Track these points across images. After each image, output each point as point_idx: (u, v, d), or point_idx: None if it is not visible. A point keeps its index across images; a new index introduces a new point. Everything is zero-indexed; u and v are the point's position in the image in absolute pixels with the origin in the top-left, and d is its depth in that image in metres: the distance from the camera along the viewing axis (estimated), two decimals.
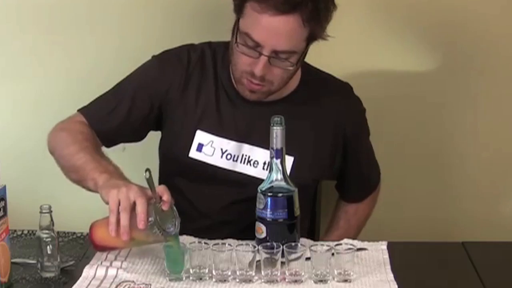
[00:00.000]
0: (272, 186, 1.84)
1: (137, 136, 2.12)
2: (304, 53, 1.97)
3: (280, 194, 1.83)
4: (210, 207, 2.05)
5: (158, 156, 2.14)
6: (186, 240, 1.90)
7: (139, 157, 2.22)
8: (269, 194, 1.83)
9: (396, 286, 1.73)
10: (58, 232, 1.81)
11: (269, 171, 1.85)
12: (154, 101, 2.05)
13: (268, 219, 1.83)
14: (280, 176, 1.84)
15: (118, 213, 1.72)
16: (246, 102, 2.03)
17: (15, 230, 1.97)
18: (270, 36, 1.89)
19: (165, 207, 1.75)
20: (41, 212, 1.77)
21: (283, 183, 1.84)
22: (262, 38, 1.89)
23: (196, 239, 1.90)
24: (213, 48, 2.09)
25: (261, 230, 1.83)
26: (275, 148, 1.82)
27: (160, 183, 2.06)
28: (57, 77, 2.51)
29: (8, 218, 1.73)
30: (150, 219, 1.72)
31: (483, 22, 2.48)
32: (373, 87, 2.41)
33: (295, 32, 1.89)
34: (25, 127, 2.54)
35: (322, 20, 1.91)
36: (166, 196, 1.76)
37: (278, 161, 1.83)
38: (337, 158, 2.11)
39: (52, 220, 1.77)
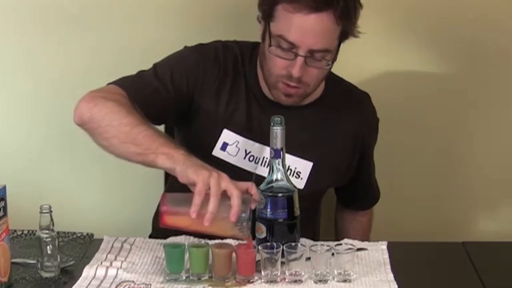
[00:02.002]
0: (272, 186, 1.83)
1: (163, 119, 2.06)
2: (337, 52, 1.97)
3: (280, 194, 1.83)
4: None
5: None
6: (186, 240, 1.91)
7: None
8: (269, 194, 1.82)
9: (396, 286, 1.73)
10: (58, 232, 1.81)
11: (269, 171, 1.85)
12: (190, 89, 2.01)
13: (268, 219, 1.82)
14: (280, 176, 1.84)
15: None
16: (272, 106, 2.02)
17: (15, 230, 1.97)
18: (305, 36, 1.88)
19: (253, 206, 1.73)
20: (41, 212, 1.76)
21: (283, 183, 1.84)
22: (298, 38, 1.89)
23: (196, 239, 1.91)
24: (241, 48, 2.08)
25: (261, 230, 1.83)
26: (275, 148, 1.82)
27: (174, 178, 2.06)
28: (57, 76, 2.51)
29: (8, 218, 1.73)
30: (243, 215, 1.70)
31: (493, 23, 2.49)
32: (375, 88, 2.40)
33: (329, 30, 1.90)
34: (25, 127, 2.54)
35: (353, 17, 1.92)
36: (258, 196, 1.74)
37: (278, 161, 1.83)
38: (353, 167, 2.13)
39: (52, 220, 1.77)
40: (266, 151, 2.01)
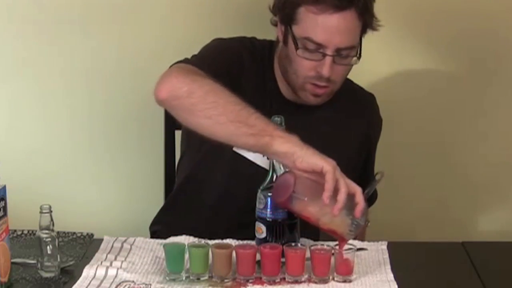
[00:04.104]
0: (273, 186, 1.83)
1: None
2: (360, 47, 1.97)
3: None
4: (231, 208, 2.04)
5: (189, 144, 2.09)
6: (186, 240, 1.91)
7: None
8: (269, 194, 1.82)
9: (396, 286, 1.73)
10: (58, 232, 1.81)
11: (270, 171, 1.84)
12: (231, 76, 1.97)
13: (268, 219, 1.82)
14: None
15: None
16: (289, 105, 2.02)
17: (15, 230, 1.97)
18: (332, 35, 1.90)
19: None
20: (41, 212, 1.76)
21: None
22: (325, 38, 1.90)
23: (196, 239, 1.91)
24: (261, 45, 2.08)
25: (261, 230, 1.83)
26: None
27: (184, 174, 2.08)
28: (56, 76, 2.51)
29: (8, 218, 1.73)
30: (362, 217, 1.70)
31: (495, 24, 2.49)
32: (375, 88, 2.41)
33: (353, 27, 1.92)
34: (25, 127, 2.54)
35: (371, 11, 1.95)
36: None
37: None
38: (358, 168, 2.14)
39: (52, 220, 1.77)
40: None
